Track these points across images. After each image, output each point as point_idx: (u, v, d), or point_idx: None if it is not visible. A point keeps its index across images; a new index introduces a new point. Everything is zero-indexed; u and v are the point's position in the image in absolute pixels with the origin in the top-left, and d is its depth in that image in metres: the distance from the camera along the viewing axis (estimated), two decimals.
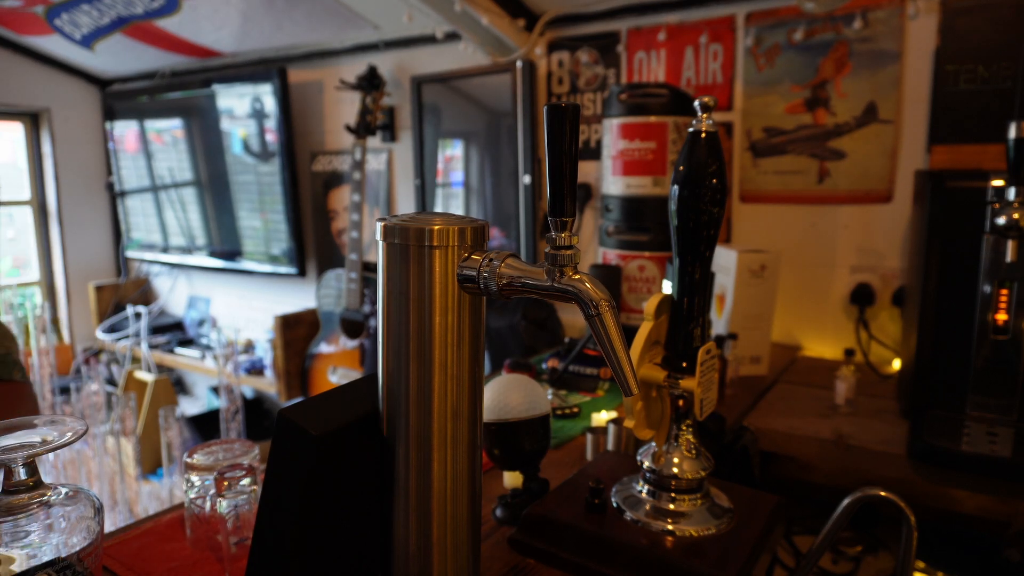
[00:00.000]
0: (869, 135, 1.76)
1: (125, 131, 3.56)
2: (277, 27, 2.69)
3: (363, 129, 2.57)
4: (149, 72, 3.45)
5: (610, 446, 1.09)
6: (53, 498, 0.59)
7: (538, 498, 0.87)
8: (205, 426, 3.04)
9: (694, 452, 0.84)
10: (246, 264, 3.23)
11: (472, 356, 0.60)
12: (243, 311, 3.45)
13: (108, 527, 0.85)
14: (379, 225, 0.59)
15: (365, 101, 2.56)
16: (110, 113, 3.58)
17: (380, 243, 0.59)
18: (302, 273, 3.06)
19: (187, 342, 3.47)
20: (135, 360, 3.43)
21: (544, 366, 1.55)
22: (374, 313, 2.58)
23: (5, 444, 0.57)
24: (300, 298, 3.15)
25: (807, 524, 1.29)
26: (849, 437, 1.25)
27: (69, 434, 0.59)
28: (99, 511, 0.61)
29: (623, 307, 1.70)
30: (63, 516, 0.58)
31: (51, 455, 1.92)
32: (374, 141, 2.77)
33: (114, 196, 3.75)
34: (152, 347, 3.38)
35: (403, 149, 2.72)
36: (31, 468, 0.58)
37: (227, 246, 3.29)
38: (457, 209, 2.64)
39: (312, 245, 3.08)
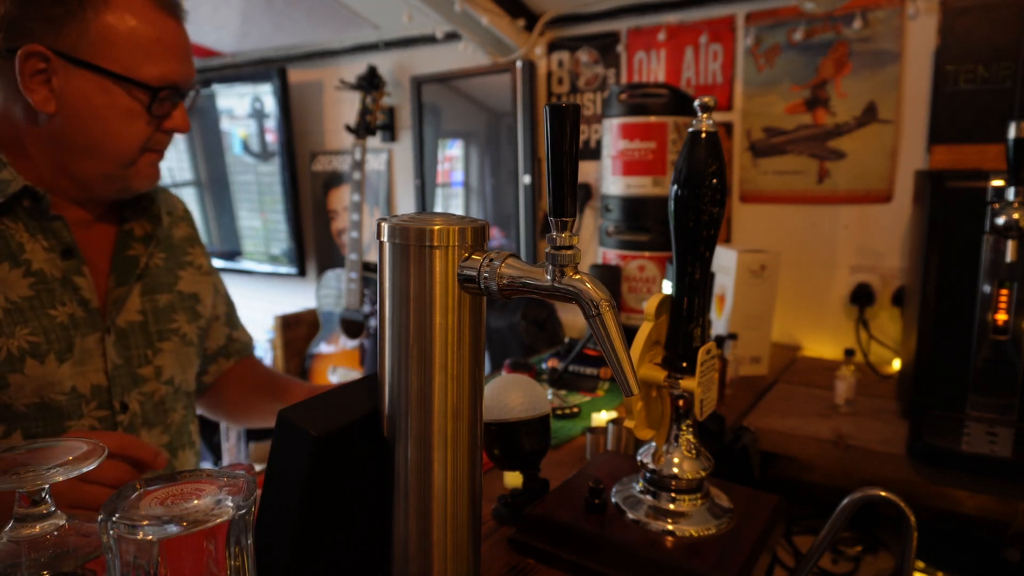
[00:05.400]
0: (869, 135, 1.76)
1: None
2: (277, 27, 2.69)
3: (363, 129, 2.57)
4: None
5: (610, 446, 1.09)
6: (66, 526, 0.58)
7: (538, 498, 0.87)
8: (205, 426, 3.03)
9: (694, 452, 0.84)
10: (246, 264, 3.22)
11: (472, 356, 0.60)
12: (243, 311, 3.43)
13: None
14: (379, 225, 0.59)
15: (365, 101, 2.56)
16: None
17: (380, 243, 0.59)
18: (302, 273, 3.06)
19: None
20: None
21: (544, 366, 1.55)
22: (374, 313, 2.58)
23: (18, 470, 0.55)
24: (300, 298, 3.15)
25: (807, 524, 1.30)
26: (849, 437, 1.25)
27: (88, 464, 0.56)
28: None
29: (623, 307, 1.70)
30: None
31: None
32: (374, 141, 2.77)
33: None
34: None
35: (403, 149, 2.72)
36: (39, 496, 0.56)
37: (227, 246, 3.28)
38: (457, 209, 2.64)
39: (312, 245, 3.08)
